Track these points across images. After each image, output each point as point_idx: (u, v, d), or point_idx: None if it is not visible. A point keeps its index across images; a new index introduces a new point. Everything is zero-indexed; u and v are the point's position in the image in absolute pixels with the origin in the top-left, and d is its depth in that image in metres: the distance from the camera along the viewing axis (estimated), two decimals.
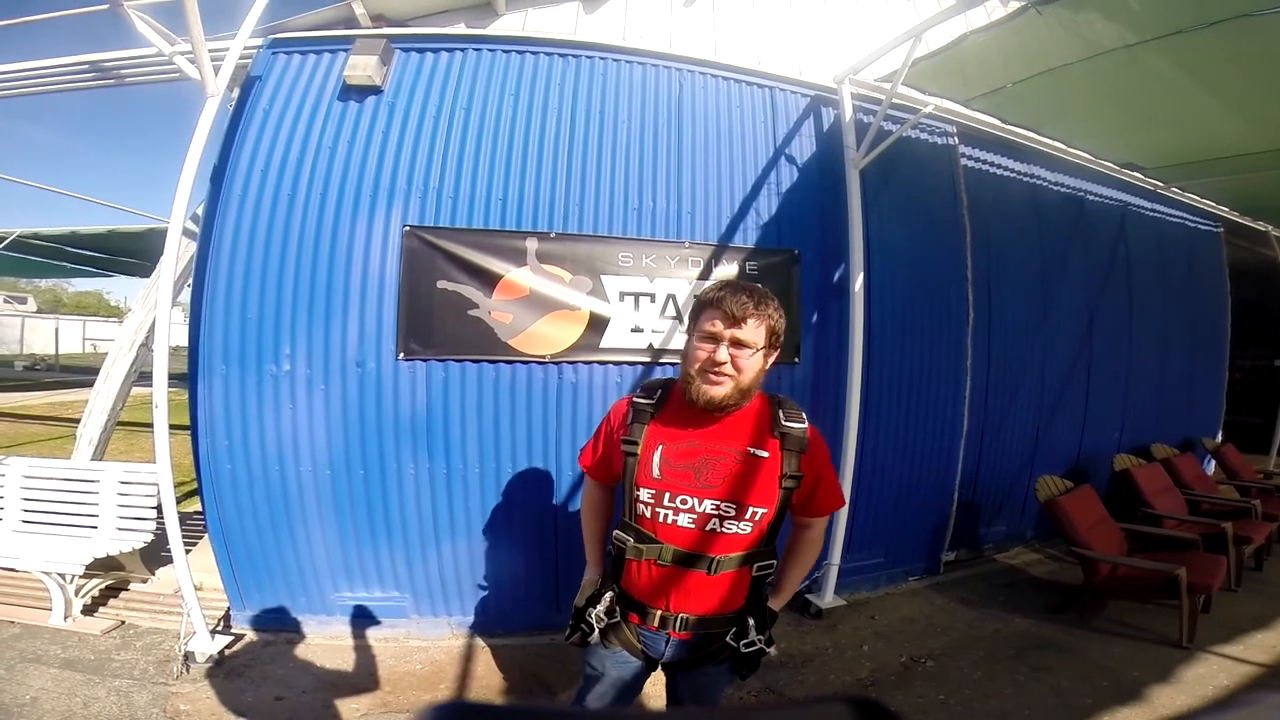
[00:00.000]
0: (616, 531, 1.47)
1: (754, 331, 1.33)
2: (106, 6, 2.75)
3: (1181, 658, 3.01)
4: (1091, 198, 5.03)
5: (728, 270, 3.34)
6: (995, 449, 4.41)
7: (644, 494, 1.40)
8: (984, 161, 4.41)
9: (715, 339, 1.33)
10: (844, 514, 3.46)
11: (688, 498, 1.37)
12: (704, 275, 3.30)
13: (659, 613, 1.42)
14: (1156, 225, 5.56)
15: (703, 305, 1.38)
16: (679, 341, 3.24)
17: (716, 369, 1.32)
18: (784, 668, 2.93)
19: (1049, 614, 3.53)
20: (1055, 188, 4.82)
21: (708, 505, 1.36)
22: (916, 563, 4.07)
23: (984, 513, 4.47)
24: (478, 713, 0.35)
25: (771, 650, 1.48)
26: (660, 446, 1.40)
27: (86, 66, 3.59)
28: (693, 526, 1.37)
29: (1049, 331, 4.67)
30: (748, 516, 1.37)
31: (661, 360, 3.24)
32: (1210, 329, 6.22)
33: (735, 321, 1.32)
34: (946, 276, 4.02)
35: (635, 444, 1.41)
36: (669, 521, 1.38)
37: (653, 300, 3.24)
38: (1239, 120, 3.45)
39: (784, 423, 1.40)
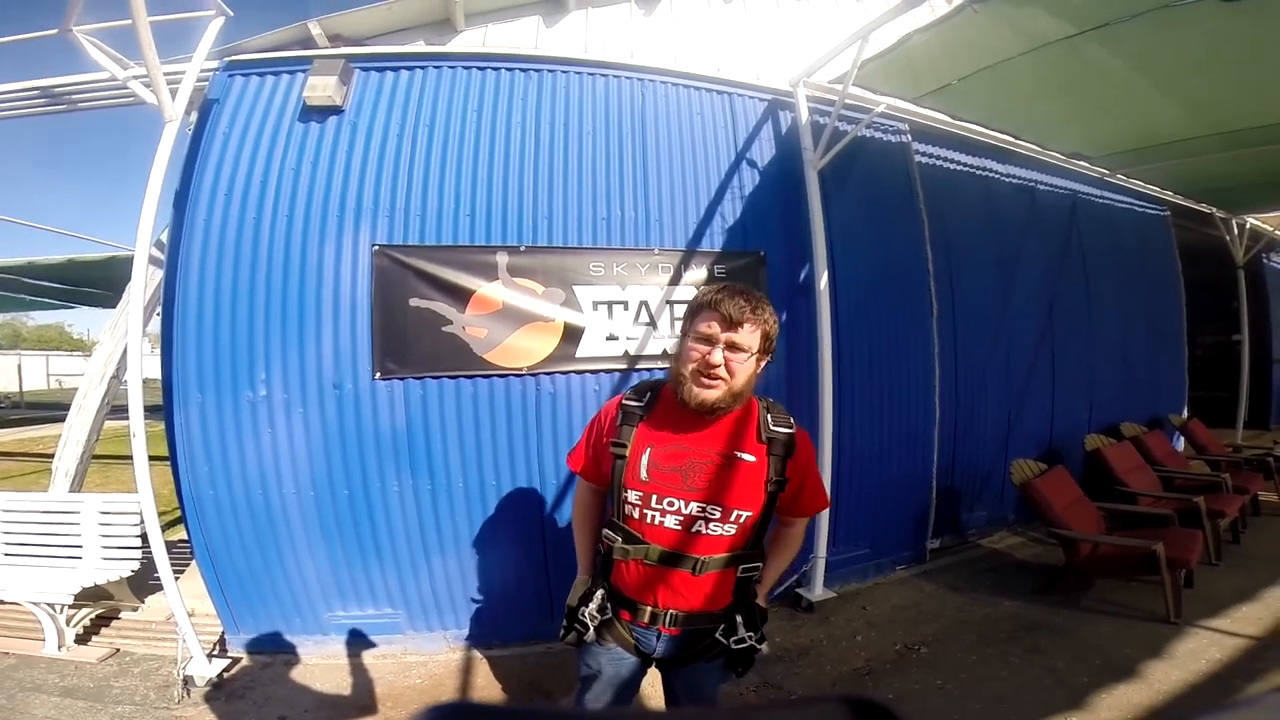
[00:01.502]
0: (605, 530, 1.49)
1: (750, 336, 1.34)
2: (55, 31, 2.71)
3: (1171, 633, 3.03)
4: (1042, 187, 5.20)
5: (697, 275, 3.40)
6: (969, 436, 4.50)
7: (632, 495, 1.41)
8: (937, 157, 4.54)
9: (710, 341, 1.33)
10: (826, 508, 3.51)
11: (674, 500, 1.38)
12: (674, 281, 3.36)
13: (649, 609, 1.44)
14: (1107, 211, 5.75)
15: (700, 307, 1.38)
16: (654, 347, 3.29)
17: (711, 371, 1.32)
18: (780, 661, 2.96)
19: (1036, 596, 3.57)
20: (1007, 179, 4.97)
21: (693, 507, 1.38)
22: (903, 552, 4.12)
23: (964, 499, 4.56)
24: (477, 713, 0.35)
25: (763, 648, 1.49)
26: (649, 449, 1.41)
27: (37, 92, 3.51)
28: (678, 528, 1.39)
29: (1012, 319, 4.80)
30: (732, 519, 1.38)
31: (638, 366, 3.28)
32: (1167, 309, 6.41)
33: (732, 325, 1.32)
34: (908, 270, 4.12)
35: (624, 446, 1.42)
36: (655, 523, 1.40)
37: (626, 308, 3.28)
38: (1176, 107, 3.59)
39: (772, 427, 1.42)
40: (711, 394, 1.33)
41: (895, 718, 0.33)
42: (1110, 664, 2.80)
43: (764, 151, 3.75)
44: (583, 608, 1.50)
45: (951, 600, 3.60)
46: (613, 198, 3.38)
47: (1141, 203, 6.11)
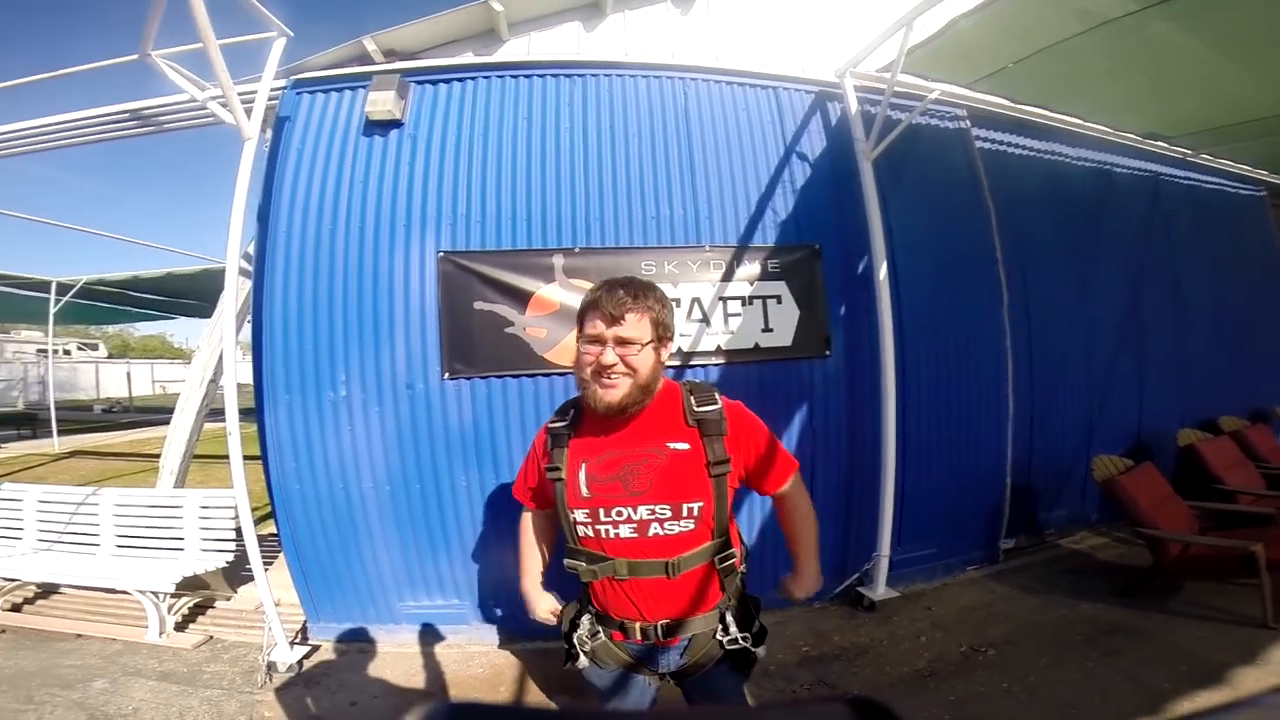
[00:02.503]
0: (567, 560, 1.43)
1: (636, 327, 1.30)
2: (135, 57, 2.86)
3: (1268, 638, 2.81)
4: (1119, 170, 4.91)
5: (750, 270, 3.40)
6: (1047, 430, 4.30)
7: (579, 515, 1.36)
8: (1000, 142, 4.36)
9: (599, 341, 1.30)
10: (889, 506, 3.43)
11: (622, 508, 1.32)
12: (727, 277, 3.37)
13: (637, 625, 1.38)
14: (1193, 193, 5.38)
15: (584, 309, 1.35)
16: (707, 344, 3.31)
17: (607, 372, 1.29)
18: (838, 660, 2.92)
19: (1119, 598, 3.38)
20: (1079, 163, 4.73)
21: (643, 511, 1.32)
22: (973, 552, 3.97)
23: (1042, 497, 4.35)
24: (477, 713, 0.36)
25: (760, 651, 1.43)
26: (584, 464, 1.37)
27: (127, 115, 3.81)
28: (636, 535, 1.33)
29: (1091, 306, 4.55)
30: (685, 514, 1.32)
31: (691, 363, 3.32)
32: (1268, 293, 5.90)
33: (614, 320, 1.29)
34: (975, 258, 3.97)
35: (559, 469, 1.38)
36: (611, 536, 1.34)
37: (678, 305, 3.32)
38: (1261, 82, 3.33)
39: (697, 409, 1.36)
40: (615, 394, 1.29)
41: (896, 718, 0.33)
42: (1196, 670, 2.62)
43: (814, 144, 3.71)
44: (574, 634, 1.47)
45: (1024, 602, 3.45)
46: (661, 197, 3.42)
47: (1233, 183, 5.68)
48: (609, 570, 1.36)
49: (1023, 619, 3.24)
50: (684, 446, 1.34)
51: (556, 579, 1.61)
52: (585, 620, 1.47)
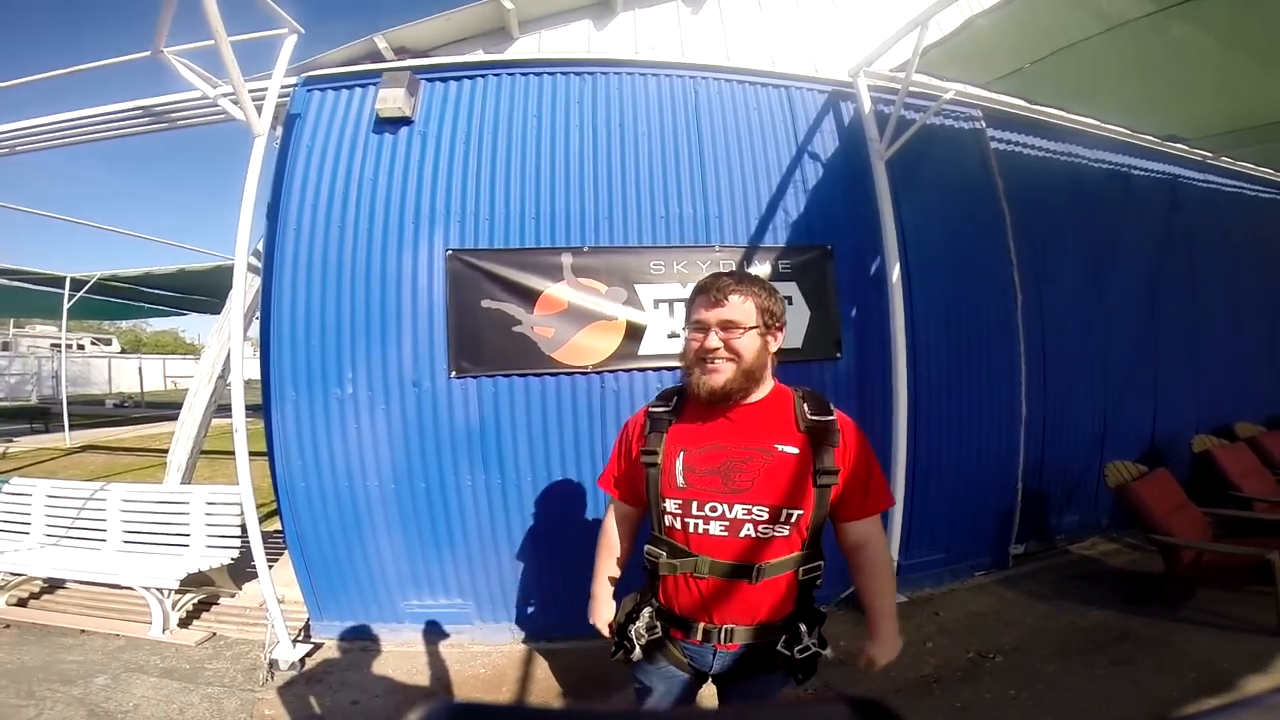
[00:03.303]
0: (648, 547, 1.39)
1: (740, 309, 1.28)
2: (149, 53, 2.89)
3: (1279, 647, 2.79)
4: (1137, 172, 4.83)
5: (761, 271, 3.37)
6: (1059, 435, 4.24)
7: (670, 505, 1.31)
8: (1016, 143, 4.31)
9: (704, 326, 1.29)
10: (899, 510, 3.41)
11: (717, 504, 1.28)
12: None
13: (702, 626, 1.33)
14: (1213, 196, 5.29)
15: (691, 297, 1.36)
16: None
17: (710, 355, 1.27)
18: (843, 665, 2.86)
19: (1130, 605, 3.35)
20: (1096, 165, 4.66)
21: (739, 510, 1.27)
22: (982, 557, 3.93)
23: (1053, 502, 4.30)
24: (478, 713, 0.36)
25: (828, 653, 1.37)
26: (682, 453, 1.32)
27: (140, 111, 3.86)
28: (726, 534, 1.28)
29: (1107, 310, 4.48)
30: (783, 519, 1.27)
31: None
32: None
33: (716, 303, 1.28)
34: (989, 261, 3.93)
35: (655, 454, 1.34)
36: (700, 531, 1.30)
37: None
38: None
39: (809, 416, 1.32)
40: (719, 378, 1.27)
41: (897, 718, 0.33)
42: (1206, 678, 2.60)
43: (826, 144, 3.67)
44: (630, 625, 1.42)
45: (1033, 608, 3.42)
46: (671, 196, 3.40)
47: (1254, 186, 5.58)
48: (689, 566, 1.31)
49: (1031, 625, 3.22)
50: (793, 450, 1.30)
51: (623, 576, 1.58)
52: (646, 613, 1.41)
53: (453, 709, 0.34)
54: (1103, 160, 4.68)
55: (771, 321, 1.33)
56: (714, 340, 1.27)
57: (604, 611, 1.57)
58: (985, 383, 3.84)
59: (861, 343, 3.50)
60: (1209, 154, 4.90)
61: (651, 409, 1.42)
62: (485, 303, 3.18)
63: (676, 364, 3.26)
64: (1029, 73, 3.41)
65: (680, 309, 3.29)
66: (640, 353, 3.24)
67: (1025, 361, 3.95)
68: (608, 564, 1.60)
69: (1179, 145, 4.72)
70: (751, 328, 1.29)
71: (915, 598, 3.56)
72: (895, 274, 3.41)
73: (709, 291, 1.30)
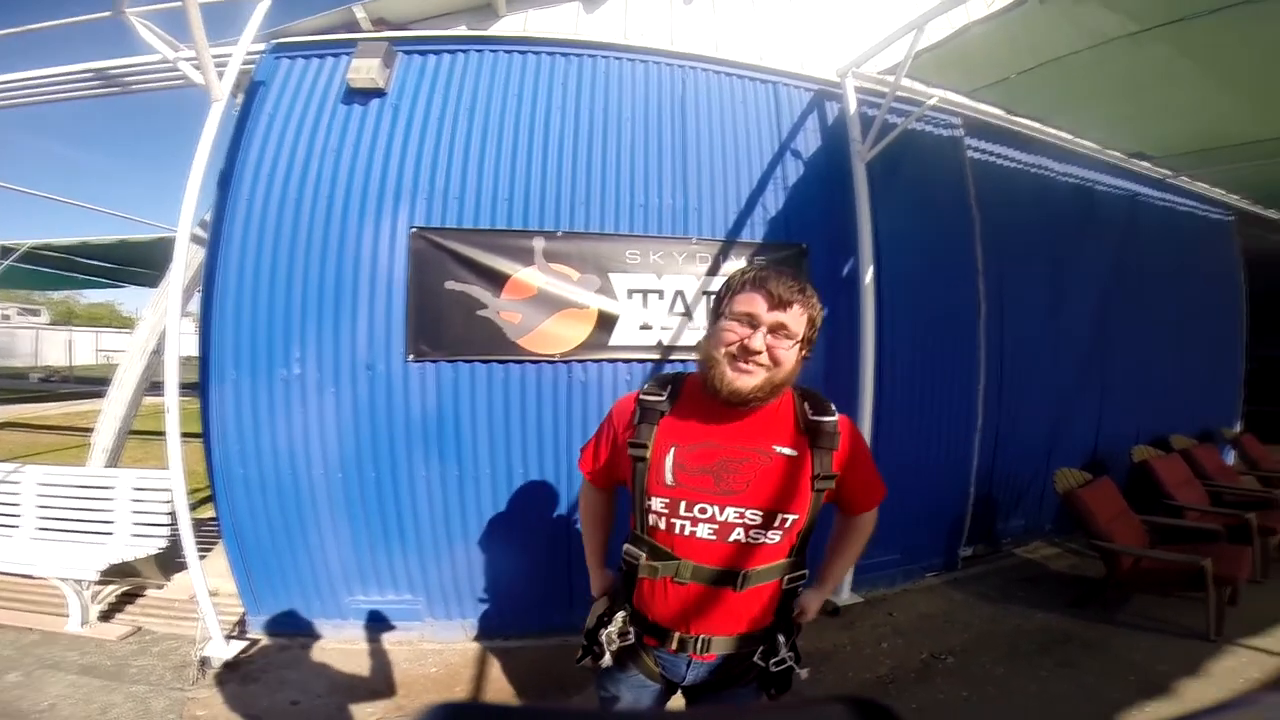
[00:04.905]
0: (627, 546, 1.31)
1: (798, 319, 1.19)
2: (110, 14, 2.73)
3: (1210, 651, 2.94)
4: (1100, 188, 4.97)
5: (735, 266, 3.31)
6: (1011, 442, 4.35)
7: (656, 504, 1.23)
8: (991, 153, 4.37)
9: (753, 322, 1.17)
10: None
11: (707, 505, 1.21)
12: (712, 271, 3.29)
13: (678, 635, 1.26)
14: (1168, 215, 5.49)
15: (741, 284, 1.22)
16: (689, 338, 3.22)
17: (750, 357, 1.16)
18: (802, 666, 2.90)
19: (1071, 608, 3.48)
20: (1064, 178, 4.77)
21: (730, 513, 1.20)
22: (934, 559, 4.02)
23: (1001, 507, 4.42)
24: (477, 713, 0.36)
25: (804, 674, 1.33)
26: (673, 449, 1.24)
27: (91, 74, 3.58)
28: (714, 538, 1.21)
29: (1062, 323, 4.62)
30: (776, 524, 1.21)
31: (671, 358, 3.23)
32: (1226, 318, 6.15)
33: (780, 305, 1.17)
34: (957, 268, 3.99)
35: (644, 447, 1.25)
36: (686, 533, 1.22)
37: (661, 297, 3.23)
38: (1249, 107, 3.40)
39: (811, 417, 1.26)
40: (749, 381, 1.17)
41: (896, 718, 0.32)
42: (1144, 680, 2.71)
43: (809, 142, 3.65)
44: (601, 630, 1.34)
45: (982, 610, 3.51)
46: (651, 185, 3.32)
47: (1205, 206, 5.82)
48: (671, 570, 1.24)
49: (980, 628, 3.30)
50: (792, 453, 1.23)
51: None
52: (619, 618, 1.33)
53: (452, 709, 0.33)
54: (1070, 174, 4.79)
55: (812, 335, 1.26)
56: (760, 341, 1.16)
57: (604, 583, 1.51)
58: (945, 388, 3.90)
59: (831, 344, 3.49)
60: (1169, 172, 5.06)
61: (643, 397, 1.31)
62: (449, 284, 3.03)
63: (649, 357, 3.26)
64: (1012, 84, 3.45)
65: (654, 300, 3.22)
66: (611, 343, 3.15)
67: (984, 368, 4.03)
68: (598, 536, 1.55)
69: (1143, 163, 4.86)
70: (799, 340, 1.21)
71: (870, 597, 3.60)
72: (869, 277, 3.42)
73: (770, 289, 1.17)
